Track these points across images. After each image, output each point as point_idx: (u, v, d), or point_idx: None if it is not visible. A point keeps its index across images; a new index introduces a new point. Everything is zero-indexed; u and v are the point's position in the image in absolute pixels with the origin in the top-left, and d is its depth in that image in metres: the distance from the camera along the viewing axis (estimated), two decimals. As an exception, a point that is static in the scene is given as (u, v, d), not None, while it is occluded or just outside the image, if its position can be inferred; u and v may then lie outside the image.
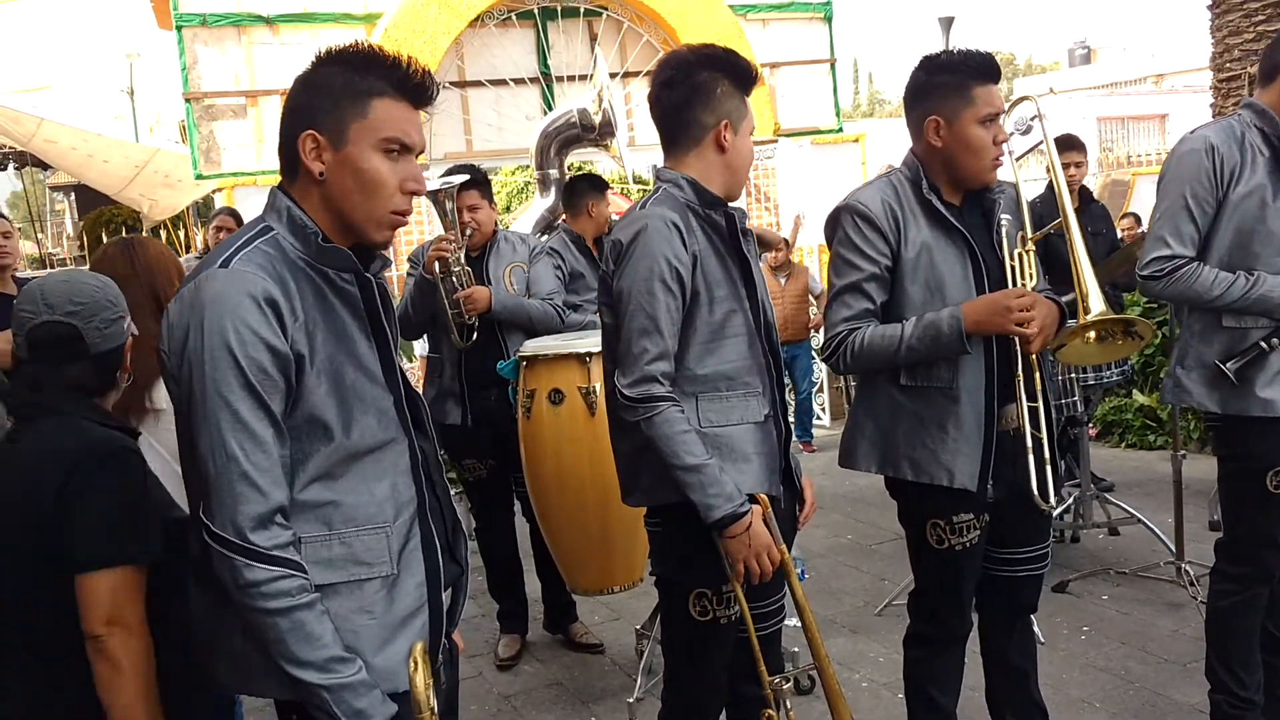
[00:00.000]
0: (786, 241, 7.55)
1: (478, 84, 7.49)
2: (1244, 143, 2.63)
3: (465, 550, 1.84)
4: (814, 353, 7.60)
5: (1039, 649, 2.86)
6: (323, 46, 1.63)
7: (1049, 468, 2.43)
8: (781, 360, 2.44)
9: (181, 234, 14.65)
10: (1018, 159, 2.89)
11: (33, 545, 1.81)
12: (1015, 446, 2.44)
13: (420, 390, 2.93)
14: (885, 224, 2.40)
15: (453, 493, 3.02)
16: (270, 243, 1.58)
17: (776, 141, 8.06)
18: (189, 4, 6.85)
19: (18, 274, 3.76)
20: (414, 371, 5.88)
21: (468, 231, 3.90)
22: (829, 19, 8.33)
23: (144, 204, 13.15)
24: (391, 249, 6.32)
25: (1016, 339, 2.36)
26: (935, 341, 2.33)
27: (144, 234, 9.58)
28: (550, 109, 7.12)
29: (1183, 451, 4.32)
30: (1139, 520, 4.63)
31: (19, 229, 4.59)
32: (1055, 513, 2.60)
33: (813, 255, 8.44)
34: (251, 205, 6.48)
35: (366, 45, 1.63)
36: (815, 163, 8.45)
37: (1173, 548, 4.30)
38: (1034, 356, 2.41)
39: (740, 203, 4.21)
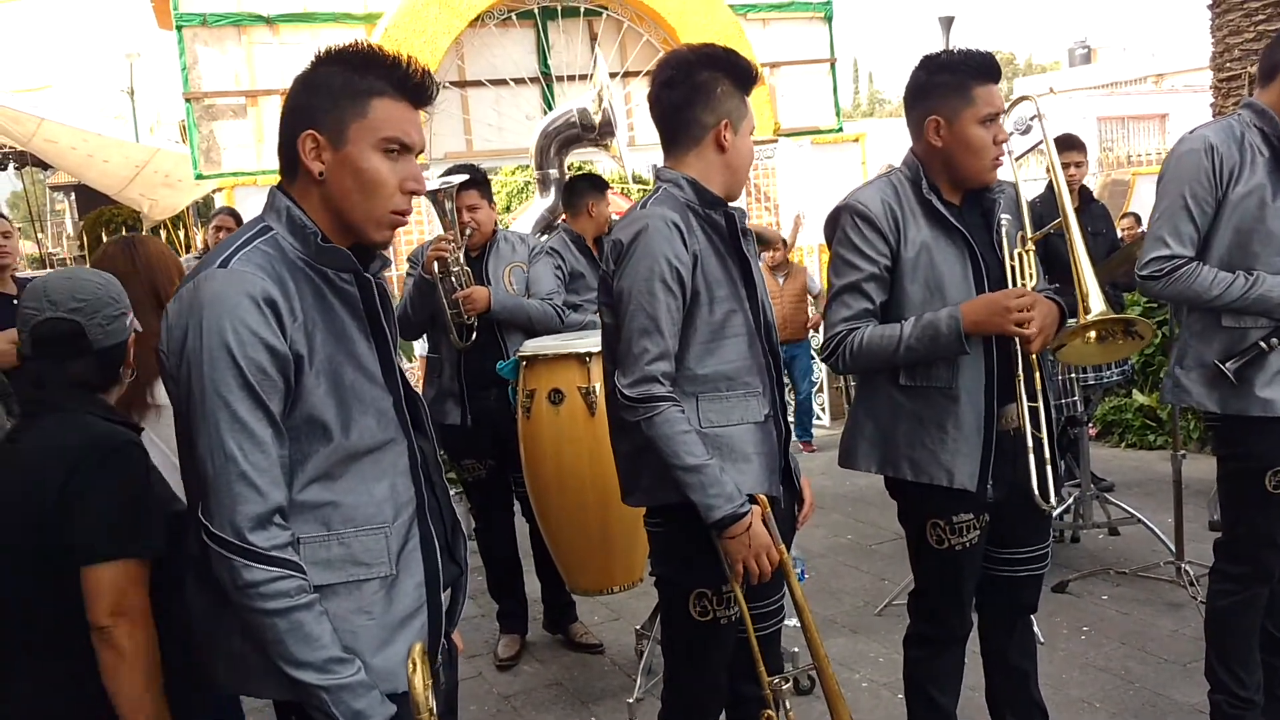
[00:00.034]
0: (785, 241, 7.55)
1: (478, 84, 7.49)
2: (1243, 142, 2.63)
3: (464, 550, 1.84)
4: (813, 352, 7.60)
5: (1039, 649, 2.86)
6: (323, 46, 1.63)
7: (1049, 468, 2.43)
8: (781, 360, 2.44)
9: (181, 234, 14.63)
10: (1018, 159, 2.89)
11: (33, 545, 1.82)
12: (1015, 446, 2.44)
13: (420, 390, 2.93)
14: (885, 224, 2.40)
15: (452, 493, 3.02)
16: (269, 243, 1.58)
17: (776, 141, 8.05)
18: (189, 4, 6.85)
19: (18, 274, 3.76)
20: (413, 371, 5.88)
21: (467, 231, 3.90)
22: (829, 19, 8.32)
23: (144, 204, 13.14)
24: (391, 249, 6.31)
25: (1016, 339, 2.36)
26: (934, 341, 2.33)
27: (144, 233, 9.56)
28: (550, 109, 7.11)
29: (1182, 451, 4.32)
30: (1139, 520, 4.63)
31: (19, 229, 4.60)
32: (1055, 513, 2.59)
33: (812, 255, 8.43)
34: (251, 205, 6.48)
35: (366, 45, 1.63)
36: (815, 162, 8.45)
37: (1172, 548, 4.30)
38: (1034, 356, 2.41)
39: (740, 203, 4.21)
